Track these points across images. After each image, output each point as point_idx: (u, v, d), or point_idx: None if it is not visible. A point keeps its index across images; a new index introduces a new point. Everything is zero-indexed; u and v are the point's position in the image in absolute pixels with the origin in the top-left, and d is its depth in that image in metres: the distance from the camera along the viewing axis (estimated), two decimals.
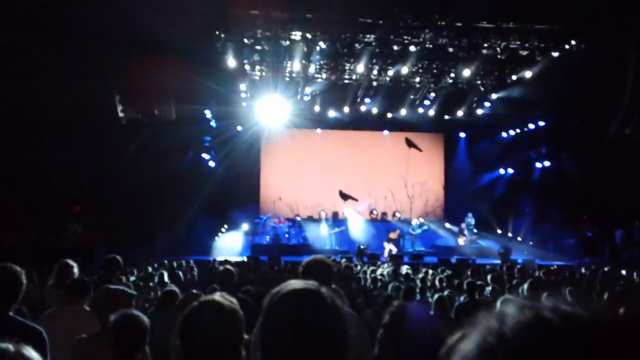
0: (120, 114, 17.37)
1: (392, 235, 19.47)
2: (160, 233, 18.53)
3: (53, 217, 15.87)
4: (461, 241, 19.93)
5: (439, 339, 2.15)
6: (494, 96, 20.22)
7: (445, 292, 6.92)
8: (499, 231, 21.48)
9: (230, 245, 19.35)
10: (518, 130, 21.66)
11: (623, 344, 0.68)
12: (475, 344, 0.74)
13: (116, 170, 16.71)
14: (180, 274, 9.48)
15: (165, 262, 12.42)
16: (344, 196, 22.67)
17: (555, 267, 13.98)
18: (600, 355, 0.67)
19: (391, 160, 23.12)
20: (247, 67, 18.46)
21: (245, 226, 20.18)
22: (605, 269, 11.73)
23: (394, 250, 18.95)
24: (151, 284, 8.40)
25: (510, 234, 21.40)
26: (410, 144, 23.42)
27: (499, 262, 16.44)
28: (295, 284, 1.50)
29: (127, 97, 17.36)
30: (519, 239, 21.16)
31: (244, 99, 20.40)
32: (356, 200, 22.61)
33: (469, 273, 10.55)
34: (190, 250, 18.59)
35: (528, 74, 17.61)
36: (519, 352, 0.70)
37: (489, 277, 9.53)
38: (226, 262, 13.05)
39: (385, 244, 19.16)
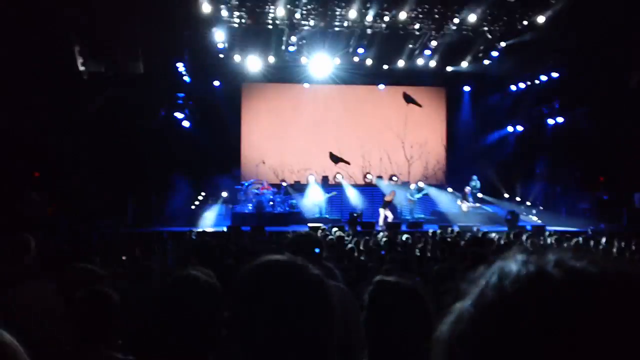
0: (81, 68, 17.12)
1: (388, 198, 19.53)
2: (131, 200, 18.51)
3: (7, 185, 15.73)
4: (464, 207, 20.09)
5: (428, 318, 2.16)
6: (502, 44, 20.11)
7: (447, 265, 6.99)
8: (506, 195, 21.66)
9: (208, 214, 19.37)
10: (529, 83, 21.65)
11: (631, 300, 0.68)
12: (473, 300, 0.75)
13: (78, 131, 16.55)
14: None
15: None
16: (335, 159, 22.68)
17: (568, 234, 14.16)
18: (607, 312, 0.67)
19: (387, 118, 23.06)
20: (224, 12, 18.15)
21: (224, 193, 20.17)
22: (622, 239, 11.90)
23: (390, 217, 19.07)
24: (123, 258, 8.41)
25: (518, 198, 21.59)
26: (408, 99, 23.34)
27: (506, 229, 16.63)
28: (269, 257, 1.50)
29: (88, 48, 17.10)
30: (528, 203, 21.36)
31: (221, 49, 20.13)
32: (348, 163, 22.64)
33: (471, 242, 10.65)
34: (165, 219, 18.61)
35: (540, 19, 17.49)
36: (520, 308, 0.70)
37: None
38: (204, 233, 13.11)
39: (381, 210, 19.26)
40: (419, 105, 23.34)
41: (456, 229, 16.48)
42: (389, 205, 19.47)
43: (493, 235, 12.80)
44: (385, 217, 19.07)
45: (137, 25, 15.73)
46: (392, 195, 19.76)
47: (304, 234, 3.41)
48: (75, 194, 15.99)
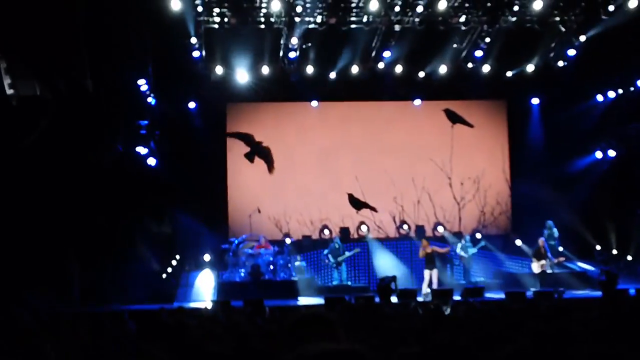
0: (9, 91, 17.27)
1: (424, 251, 19.37)
2: (78, 267, 18.43)
3: None
4: (538, 265, 19.86)
5: None
6: (581, 39, 20.12)
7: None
8: (598, 247, 21.38)
9: (184, 285, 19.23)
10: (621, 91, 21.58)
11: None
12: None
13: (7, 172, 16.59)
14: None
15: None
16: (356, 203, 22.56)
17: None
18: None
19: (427, 145, 23.02)
20: (199, 9, 18.36)
21: (207, 256, 20.07)
22: None
23: (435, 280, 18.92)
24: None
25: (614, 252, 21.31)
26: (453, 117, 23.30)
27: (599, 294, 16.35)
28: (320, 346, 1.58)
29: (18, 65, 17.27)
30: (629, 257, 21.07)
31: (197, 60, 20.30)
32: (374, 210, 22.50)
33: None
34: (125, 294, 18.48)
35: (633, 2, 17.52)
36: None
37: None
38: (180, 311, 12.99)
39: (426, 272, 19.11)
40: (470, 126, 23.28)
41: (530, 295, 16.26)
42: (435, 263, 19.32)
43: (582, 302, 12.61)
44: (431, 282, 18.91)
45: (83, 32, 15.91)
46: (446, 250, 19.68)
47: (312, 315, 3.30)
48: (2, 258, 15.95)
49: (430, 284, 18.83)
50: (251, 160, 21.41)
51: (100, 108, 17.85)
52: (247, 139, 21.50)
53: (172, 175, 20.58)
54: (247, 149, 21.71)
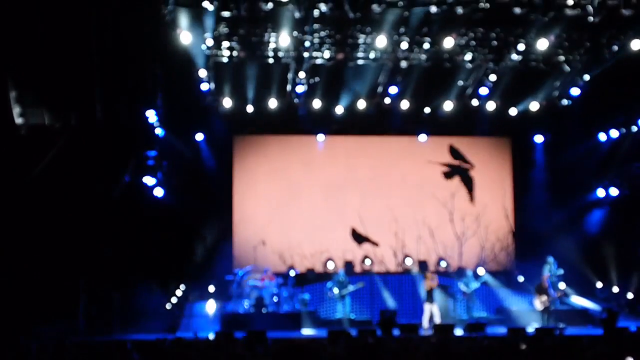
0: (19, 120, 17.35)
1: (431, 284, 19.25)
2: (84, 298, 18.39)
3: None
4: (540, 302, 19.75)
5: None
6: (585, 78, 20.20)
7: None
8: (599, 284, 21.30)
9: (188, 316, 19.18)
10: (624, 130, 21.60)
11: None
12: None
13: (13, 202, 16.62)
14: None
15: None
16: (359, 238, 22.59)
17: None
18: None
19: (430, 181, 23.05)
20: (209, 43, 18.48)
21: (211, 287, 20.04)
22: None
23: (437, 315, 18.81)
24: None
25: (616, 289, 21.23)
26: (456, 155, 23.40)
27: (600, 331, 16.26)
28: None
29: (28, 94, 17.37)
30: (630, 295, 20.98)
31: (205, 93, 20.42)
32: (375, 244, 22.52)
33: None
34: (129, 324, 18.42)
35: (636, 44, 17.58)
36: None
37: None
38: (179, 342, 12.94)
39: (426, 306, 19.02)
40: (469, 164, 23.36)
41: (531, 332, 16.17)
42: (433, 296, 19.22)
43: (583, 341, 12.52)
44: (432, 316, 18.80)
45: (93, 63, 16.02)
46: (435, 281, 19.53)
47: (293, 346, 3.28)
48: (6, 289, 15.93)
49: (431, 318, 18.73)
50: None
51: (108, 138, 17.91)
52: None
53: (178, 206, 20.59)
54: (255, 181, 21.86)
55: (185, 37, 17.33)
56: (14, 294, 15.89)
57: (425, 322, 18.66)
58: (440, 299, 19.57)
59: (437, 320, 18.60)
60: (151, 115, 19.66)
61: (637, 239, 21.41)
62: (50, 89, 17.16)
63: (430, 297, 19.08)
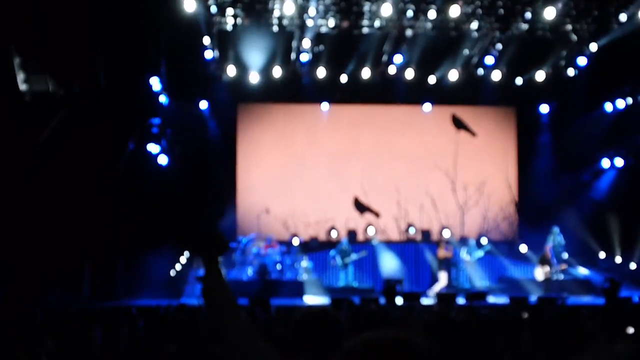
0: (23, 87, 17.36)
1: (445, 253, 19.38)
2: (88, 265, 18.51)
3: None
4: (542, 272, 19.82)
5: None
6: (592, 48, 20.11)
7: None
8: (602, 254, 21.36)
9: (193, 282, 19.28)
10: (630, 100, 21.55)
11: None
12: None
13: (17, 171, 16.67)
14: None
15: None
16: (361, 207, 22.63)
17: None
18: None
19: (434, 150, 23.03)
20: (213, 10, 18.42)
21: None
22: None
23: (443, 282, 18.96)
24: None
25: (618, 259, 21.29)
26: (459, 124, 23.35)
27: (602, 301, 16.35)
28: (373, 335, 1.61)
29: (33, 61, 17.36)
30: (633, 265, 21.05)
31: (210, 60, 20.37)
32: (377, 214, 22.56)
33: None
34: (134, 291, 18.56)
35: None
36: None
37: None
38: (184, 308, 13.05)
39: (442, 275, 19.12)
40: (472, 134, 23.32)
41: (533, 301, 16.25)
42: (445, 262, 19.34)
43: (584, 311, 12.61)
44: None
45: (97, 30, 15.99)
46: (449, 250, 19.65)
47: (314, 314, 3.30)
48: (11, 257, 16.03)
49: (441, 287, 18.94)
50: None
51: (112, 106, 17.92)
52: None
53: (182, 173, 20.64)
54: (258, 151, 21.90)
55: (189, 4, 17.27)
56: (18, 262, 15.99)
57: (437, 288, 18.79)
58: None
59: (435, 288, 18.75)
60: (155, 83, 19.66)
61: None
62: (54, 56, 17.14)
63: (443, 267, 19.21)
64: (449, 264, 19.58)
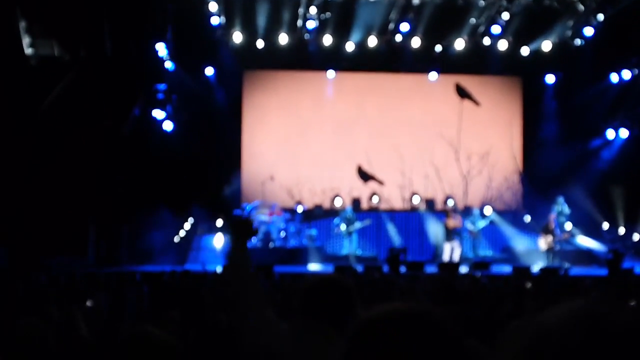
0: (29, 51, 17.28)
1: (453, 223, 19.37)
2: (93, 231, 18.56)
3: None
4: (545, 242, 19.79)
5: None
6: (599, 18, 19.95)
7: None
8: (606, 225, 21.36)
9: (196, 249, 19.34)
10: (636, 72, 21.43)
11: None
12: None
13: (22, 135, 16.65)
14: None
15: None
16: (364, 176, 22.59)
17: None
18: None
19: (440, 119, 22.93)
20: None
21: (220, 221, 20.15)
22: None
23: (457, 253, 18.95)
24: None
25: (622, 230, 21.29)
26: (462, 93, 23.22)
27: (605, 272, 16.36)
28: (388, 307, 1.59)
29: (38, 25, 17.26)
30: (636, 237, 21.06)
31: (216, 26, 20.25)
32: (381, 182, 22.53)
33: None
34: (138, 256, 18.61)
35: None
36: None
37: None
38: (188, 274, 13.09)
39: (447, 246, 19.12)
40: (476, 103, 23.20)
41: (536, 271, 16.29)
42: (453, 231, 19.33)
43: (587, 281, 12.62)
44: (452, 253, 18.99)
45: None
46: (457, 220, 19.62)
47: (326, 280, 3.22)
48: (17, 221, 16.05)
49: (451, 255, 18.93)
50: None
51: (118, 71, 17.85)
52: None
53: (187, 140, 20.63)
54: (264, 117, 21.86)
55: None
56: (24, 227, 16.02)
57: (446, 258, 18.80)
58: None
59: (457, 258, 18.74)
60: (161, 49, 19.60)
61: None
62: (60, 21, 17.03)
63: (451, 236, 19.22)
64: (458, 233, 19.59)
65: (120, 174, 18.65)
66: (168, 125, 20.57)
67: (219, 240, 19.80)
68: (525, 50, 21.93)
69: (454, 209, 20.33)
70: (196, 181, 20.20)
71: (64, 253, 16.24)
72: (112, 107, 18.37)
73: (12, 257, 15.15)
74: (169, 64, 20.28)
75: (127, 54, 18.06)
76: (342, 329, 2.84)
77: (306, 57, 21.68)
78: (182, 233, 20.19)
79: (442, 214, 20.57)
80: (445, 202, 22.17)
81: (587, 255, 19.75)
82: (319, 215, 21.23)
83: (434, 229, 20.72)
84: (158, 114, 20.26)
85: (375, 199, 21.91)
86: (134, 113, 19.75)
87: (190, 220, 20.46)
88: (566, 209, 20.62)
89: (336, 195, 21.76)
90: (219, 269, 15.70)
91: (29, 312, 5.84)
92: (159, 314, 7.15)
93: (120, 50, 17.85)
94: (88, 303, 7.55)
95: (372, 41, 21.10)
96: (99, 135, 17.90)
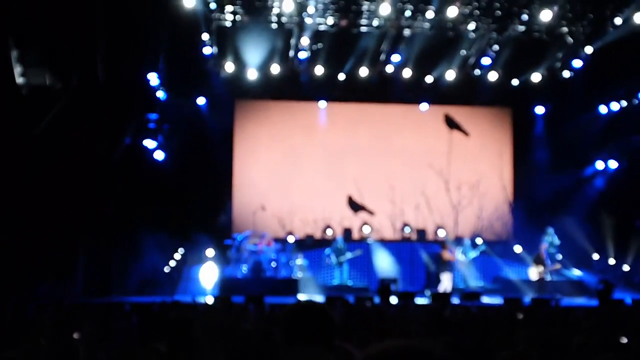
0: (20, 80, 17.24)
1: (448, 256, 19.30)
2: (82, 260, 18.41)
3: None
4: (536, 272, 19.75)
5: None
6: (588, 51, 20.08)
7: None
8: (596, 256, 21.34)
9: (186, 279, 19.21)
10: (625, 103, 21.54)
11: None
12: None
13: (13, 164, 16.55)
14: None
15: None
16: (355, 206, 22.55)
17: None
18: None
19: (430, 149, 22.97)
20: (212, 6, 18.34)
21: (210, 251, 20.04)
22: None
23: (447, 284, 18.87)
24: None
25: (612, 261, 21.27)
26: (451, 124, 23.30)
27: (595, 302, 16.31)
28: (395, 342, 1.61)
29: (30, 54, 17.24)
30: (626, 267, 21.04)
31: (208, 56, 20.29)
32: (371, 212, 22.48)
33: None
34: (128, 287, 18.47)
35: (639, 16, 17.47)
36: None
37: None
38: (178, 305, 12.96)
39: (445, 277, 19.00)
40: (465, 134, 23.27)
41: (527, 301, 16.21)
42: (448, 264, 19.25)
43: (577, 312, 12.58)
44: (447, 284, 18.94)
45: (96, 23, 15.88)
46: (453, 252, 19.56)
47: (303, 307, 3.33)
48: (5, 247, 15.91)
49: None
50: None
51: (110, 100, 17.82)
52: None
53: (179, 169, 20.57)
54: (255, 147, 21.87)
55: (189, 0, 17.18)
56: (13, 253, 15.87)
57: (442, 289, 18.71)
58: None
59: (449, 289, 18.66)
60: (153, 78, 19.61)
61: (634, 212, 21.45)
62: (52, 49, 17.02)
63: (445, 267, 19.12)
64: (452, 266, 19.51)
65: (111, 202, 18.55)
66: (159, 155, 20.51)
67: (208, 271, 19.68)
68: (515, 82, 22.06)
69: (447, 241, 20.28)
70: (187, 211, 20.13)
71: (53, 280, 16.07)
72: (104, 136, 18.32)
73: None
74: (160, 94, 20.28)
75: (119, 83, 18.04)
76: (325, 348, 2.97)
77: (298, 87, 21.74)
78: (172, 263, 20.06)
79: (434, 245, 20.56)
80: (436, 233, 22.14)
81: (578, 286, 19.71)
82: (310, 246, 21.14)
83: (427, 259, 20.64)
84: (149, 143, 20.21)
85: (366, 229, 21.84)
86: (125, 142, 19.70)
87: (181, 250, 20.35)
88: (556, 240, 20.63)
89: (327, 226, 21.70)
90: (208, 300, 15.60)
91: (18, 343, 5.76)
92: (146, 346, 7.06)
93: (112, 79, 17.83)
94: (75, 335, 7.44)
95: (364, 72, 21.17)
96: (89, 163, 17.82)
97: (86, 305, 12.49)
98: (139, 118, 20.01)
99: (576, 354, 7.79)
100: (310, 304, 3.30)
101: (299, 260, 20.13)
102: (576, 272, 20.71)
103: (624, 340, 7.94)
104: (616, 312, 12.45)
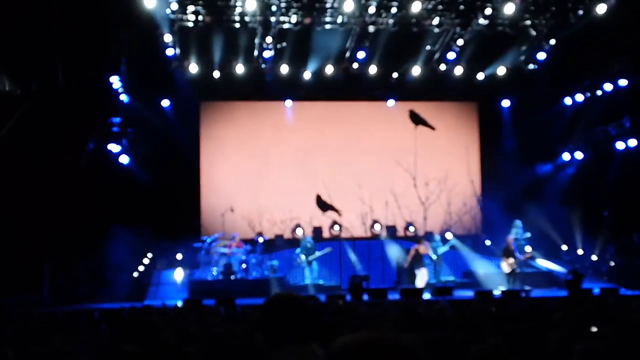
0: None
1: (422, 250, 19.35)
2: (48, 268, 18.22)
3: None
4: (508, 265, 19.88)
5: None
6: (551, 43, 20.26)
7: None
8: (564, 247, 21.53)
9: (156, 284, 19.09)
10: (589, 95, 21.73)
11: None
12: None
13: None
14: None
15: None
16: (323, 205, 22.53)
17: None
18: None
19: (399, 146, 23.03)
20: (174, 7, 18.22)
21: (179, 255, 19.94)
22: None
23: (424, 279, 18.91)
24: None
25: (580, 251, 21.47)
26: (416, 119, 23.37)
27: (565, 293, 16.47)
28: (361, 335, 1.62)
29: None
30: (594, 257, 21.24)
31: (171, 58, 20.16)
32: (338, 212, 22.47)
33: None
34: (96, 293, 18.30)
35: (601, 8, 17.64)
36: None
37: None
38: (147, 310, 12.86)
39: (422, 272, 19.01)
40: (431, 129, 23.37)
41: (498, 294, 16.33)
42: (419, 258, 19.29)
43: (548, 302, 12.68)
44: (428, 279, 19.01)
45: (55, 27, 15.73)
46: (427, 246, 19.61)
47: (284, 298, 3.35)
48: None
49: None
50: None
51: (72, 105, 17.64)
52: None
53: (144, 173, 20.44)
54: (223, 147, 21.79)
55: (149, 1, 17.05)
56: None
57: (420, 284, 18.73)
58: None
59: (423, 284, 18.69)
60: (115, 81, 19.43)
61: (601, 202, 21.66)
62: (11, 55, 16.83)
63: (420, 262, 19.17)
64: (426, 261, 19.56)
65: (76, 208, 18.36)
66: (124, 159, 20.34)
67: (178, 275, 19.59)
68: (480, 76, 22.18)
69: (423, 236, 20.37)
70: (155, 215, 19.98)
71: (19, 290, 15.90)
72: (67, 141, 18.13)
73: None
74: (123, 97, 20.10)
75: (80, 87, 17.86)
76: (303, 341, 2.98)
77: (263, 87, 21.68)
78: (140, 268, 19.92)
79: (404, 241, 20.63)
80: (406, 229, 22.20)
81: (547, 277, 19.88)
82: (280, 246, 21.12)
83: (398, 255, 20.66)
84: (114, 147, 20.03)
85: (336, 228, 21.86)
86: (89, 147, 19.51)
87: (149, 255, 20.22)
88: (522, 232, 20.76)
89: (297, 225, 21.68)
90: (179, 304, 15.51)
91: None
92: (115, 348, 6.99)
93: (73, 83, 17.65)
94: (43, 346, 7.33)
95: (329, 69, 21.17)
96: (53, 170, 17.63)
97: (54, 314, 12.34)
98: (102, 122, 19.84)
99: (550, 344, 7.85)
100: (284, 296, 3.32)
101: (270, 261, 20.06)
102: (546, 263, 20.85)
103: (594, 329, 8.02)
104: (585, 302, 12.55)
